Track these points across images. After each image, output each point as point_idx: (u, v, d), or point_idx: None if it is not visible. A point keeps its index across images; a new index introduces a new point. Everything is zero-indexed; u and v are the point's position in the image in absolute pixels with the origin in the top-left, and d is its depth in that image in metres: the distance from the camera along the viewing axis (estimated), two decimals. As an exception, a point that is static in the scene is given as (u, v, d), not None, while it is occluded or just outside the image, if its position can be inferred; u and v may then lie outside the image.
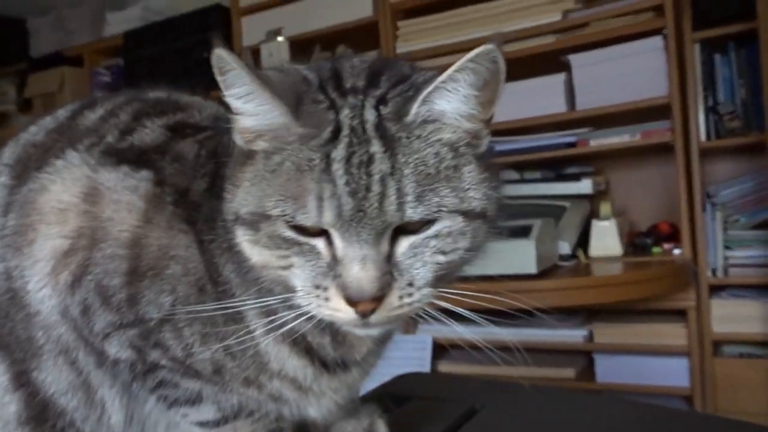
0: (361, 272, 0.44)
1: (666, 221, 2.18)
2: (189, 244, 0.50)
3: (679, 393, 2.00)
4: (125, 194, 0.51)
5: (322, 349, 0.53)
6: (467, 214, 0.48)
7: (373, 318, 0.46)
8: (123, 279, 0.50)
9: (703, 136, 2.02)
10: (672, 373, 2.01)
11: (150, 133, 0.56)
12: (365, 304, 0.45)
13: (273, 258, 0.47)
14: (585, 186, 2.15)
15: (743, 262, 1.99)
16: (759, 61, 1.86)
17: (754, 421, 1.96)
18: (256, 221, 0.46)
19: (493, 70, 0.47)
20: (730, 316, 1.98)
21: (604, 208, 2.14)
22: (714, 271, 2.00)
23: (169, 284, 0.50)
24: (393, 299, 0.46)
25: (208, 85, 0.54)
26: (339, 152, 0.45)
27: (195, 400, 0.54)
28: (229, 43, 2.58)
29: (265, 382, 0.52)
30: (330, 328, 0.52)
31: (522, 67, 2.09)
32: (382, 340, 0.57)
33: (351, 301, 0.45)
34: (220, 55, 0.45)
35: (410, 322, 2.25)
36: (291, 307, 0.49)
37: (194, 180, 0.53)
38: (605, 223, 2.11)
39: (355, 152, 0.45)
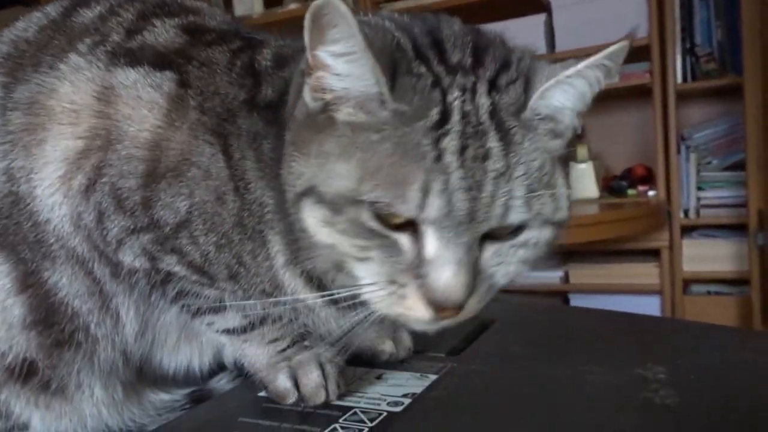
0: (453, 278, 0.41)
1: (641, 164, 2.22)
2: (214, 154, 0.48)
3: (651, 330, 2.07)
4: (146, 91, 0.48)
5: (327, 283, 0.51)
6: (557, 225, 0.45)
7: (446, 321, 0.44)
8: (139, 180, 0.47)
9: (679, 79, 2.05)
10: (644, 311, 2.07)
11: (163, 33, 0.52)
12: (449, 310, 0.42)
13: (348, 246, 0.43)
14: (563, 129, 2.16)
15: (714, 202, 2.05)
16: (737, 3, 1.88)
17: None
18: (339, 203, 0.41)
19: (614, 69, 0.44)
20: (700, 256, 2.05)
21: (581, 151, 2.16)
22: (686, 212, 2.06)
23: (187, 187, 0.47)
24: (472, 304, 0.43)
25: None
26: (451, 142, 0.40)
27: (219, 309, 0.53)
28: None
29: (281, 297, 0.51)
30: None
31: (502, 8, 2.07)
32: None
33: (434, 305, 0.42)
34: (332, 3, 0.39)
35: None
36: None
37: (229, 90, 0.49)
38: (582, 166, 2.13)
39: (469, 144, 0.41)
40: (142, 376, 0.58)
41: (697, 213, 2.06)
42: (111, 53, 0.50)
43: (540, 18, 2.10)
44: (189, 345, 0.57)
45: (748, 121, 1.88)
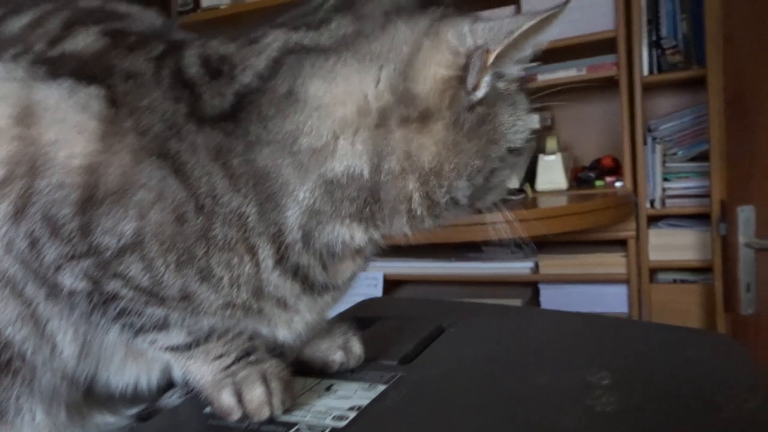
0: None
1: (609, 155, 2.24)
2: (164, 177, 0.47)
3: (618, 319, 2.11)
4: (72, 113, 0.46)
5: (314, 274, 0.52)
6: None
7: None
8: (74, 208, 0.46)
9: (645, 71, 2.07)
10: (612, 301, 2.11)
11: (83, 40, 0.50)
12: None
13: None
14: (532, 121, 2.17)
15: (680, 193, 2.08)
16: (701, -4, 1.90)
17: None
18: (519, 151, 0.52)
19: None
20: (666, 245, 2.08)
21: (550, 142, 2.18)
22: (652, 202, 2.09)
23: (134, 210, 0.46)
24: None
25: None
26: None
27: (162, 326, 0.53)
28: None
29: (252, 304, 0.51)
30: (323, 254, 0.52)
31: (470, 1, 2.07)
32: (362, 266, 0.57)
33: None
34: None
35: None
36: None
37: (165, 105, 0.48)
38: (551, 158, 2.15)
39: None
40: (89, 397, 0.57)
41: (663, 203, 2.09)
42: (32, 63, 0.49)
43: (508, 10, 2.10)
44: (135, 363, 0.57)
45: (711, 112, 1.91)
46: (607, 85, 2.10)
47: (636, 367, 0.63)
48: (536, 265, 2.18)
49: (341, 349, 0.62)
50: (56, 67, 0.48)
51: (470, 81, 0.49)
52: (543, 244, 2.21)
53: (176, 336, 0.53)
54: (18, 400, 0.52)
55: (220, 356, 0.54)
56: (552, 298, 2.19)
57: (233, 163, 0.48)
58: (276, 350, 0.59)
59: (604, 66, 2.04)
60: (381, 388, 0.58)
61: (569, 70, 2.09)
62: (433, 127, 0.49)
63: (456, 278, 2.22)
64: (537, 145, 2.26)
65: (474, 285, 2.23)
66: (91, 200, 0.46)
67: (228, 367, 0.54)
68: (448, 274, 2.22)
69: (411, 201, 0.50)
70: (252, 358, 0.55)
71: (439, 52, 0.49)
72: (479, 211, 0.56)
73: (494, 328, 0.77)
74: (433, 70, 0.49)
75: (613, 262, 2.11)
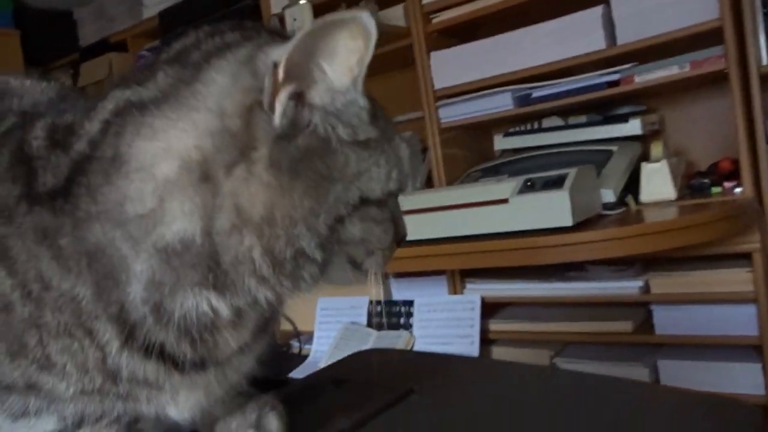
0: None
1: (728, 158, 1.99)
2: None
3: (747, 342, 1.85)
4: None
5: (178, 351, 0.49)
6: None
7: None
8: None
9: (764, 60, 1.81)
10: (738, 322, 1.86)
11: None
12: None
13: (381, 231, 0.50)
14: (633, 127, 1.99)
15: (816, 196, 1.79)
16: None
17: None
18: (384, 200, 0.49)
19: None
20: (802, 257, 1.80)
21: (655, 149, 1.98)
22: (781, 209, 1.82)
23: None
24: None
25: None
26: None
27: (25, 413, 0.50)
28: (258, 13, 2.55)
29: (112, 389, 0.49)
30: (185, 328, 0.48)
31: (556, 4, 1.96)
32: (256, 336, 0.53)
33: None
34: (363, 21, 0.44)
35: (458, 282, 2.21)
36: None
37: None
38: (656, 165, 1.95)
39: None
40: None
41: (794, 209, 1.81)
42: None
43: (597, 11, 1.95)
44: None
45: None
46: (719, 80, 1.87)
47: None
48: (646, 285, 1.97)
49: (253, 427, 0.57)
50: None
51: (265, 101, 0.45)
52: (654, 261, 2.00)
53: (47, 422, 0.51)
54: None
55: None
56: (667, 321, 1.96)
57: (61, 243, 0.46)
58: (174, 428, 0.55)
59: (709, 60, 1.82)
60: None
61: (670, 68, 1.88)
62: (255, 170, 0.45)
63: (558, 300, 2.07)
64: (643, 153, 2.07)
65: (578, 307, 2.07)
66: None
67: None
68: (550, 295, 2.08)
69: (253, 261, 0.46)
70: None
71: (245, 78, 0.46)
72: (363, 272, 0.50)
73: (458, 392, 0.68)
74: (239, 99, 0.46)
75: (737, 279, 1.85)
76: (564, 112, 2.17)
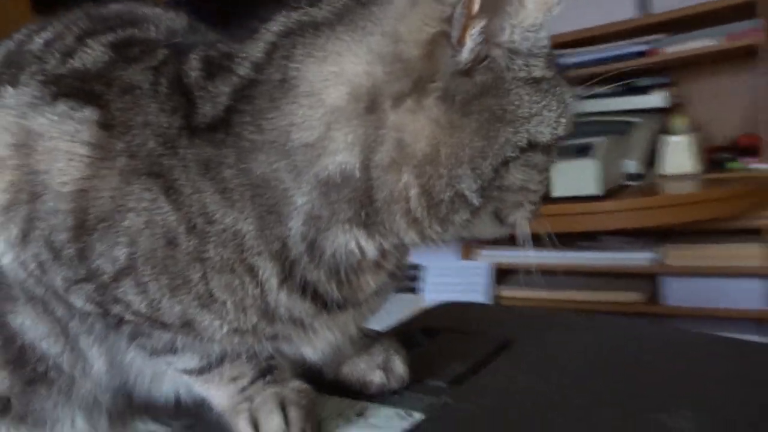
0: None
1: (748, 134, 2.00)
2: (154, 198, 0.45)
3: (751, 316, 1.89)
4: (62, 142, 0.46)
5: (327, 291, 0.49)
6: None
7: None
8: (70, 233, 0.46)
9: (794, 38, 1.80)
10: (745, 296, 1.89)
11: (91, 54, 0.49)
12: None
13: (541, 181, 0.48)
14: (655, 99, 1.98)
15: (833, 177, 1.81)
16: None
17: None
18: (552, 147, 0.46)
19: None
20: (813, 236, 1.83)
21: (678, 122, 1.97)
22: (798, 187, 1.83)
23: (125, 236, 0.46)
24: None
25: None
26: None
27: (172, 350, 0.52)
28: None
29: (263, 328, 0.48)
30: (334, 269, 0.48)
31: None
32: (390, 278, 0.52)
33: None
34: None
35: (470, 247, 2.22)
36: None
37: (160, 118, 0.46)
38: (678, 139, 1.95)
39: None
40: (131, 405, 0.58)
41: (811, 188, 1.83)
42: (41, 83, 0.49)
43: (629, -22, 1.92)
44: (171, 378, 0.57)
45: None
46: (748, 55, 1.86)
47: (723, 407, 0.54)
48: (658, 256, 2.00)
49: (381, 368, 0.58)
50: (59, 88, 0.48)
51: (454, 34, 0.42)
52: (668, 233, 2.02)
53: (189, 359, 0.52)
54: (56, 409, 0.55)
55: (236, 378, 0.53)
56: (676, 293, 2.00)
57: (225, 175, 0.45)
58: (313, 368, 0.56)
59: (744, 34, 1.80)
60: (417, 417, 0.54)
61: (703, 40, 1.87)
62: (425, 103, 0.43)
63: (568, 268, 2.09)
64: (665, 126, 2.07)
65: (588, 276, 2.10)
66: (83, 226, 0.46)
67: (244, 389, 0.53)
68: (560, 263, 2.10)
69: (408, 200, 0.44)
70: (269, 378, 0.53)
71: (427, 4, 0.42)
72: (509, 227, 0.49)
73: (565, 346, 0.70)
74: (419, 26, 0.42)
75: (750, 254, 1.88)
76: (588, 80, 2.15)
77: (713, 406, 0.54)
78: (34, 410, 0.54)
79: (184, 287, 0.47)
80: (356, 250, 0.47)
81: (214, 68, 0.47)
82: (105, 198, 0.45)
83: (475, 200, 0.44)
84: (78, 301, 0.50)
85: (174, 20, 0.56)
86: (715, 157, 2.01)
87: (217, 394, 0.54)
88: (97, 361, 0.54)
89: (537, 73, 0.44)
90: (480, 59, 0.43)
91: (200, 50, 0.49)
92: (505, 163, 0.44)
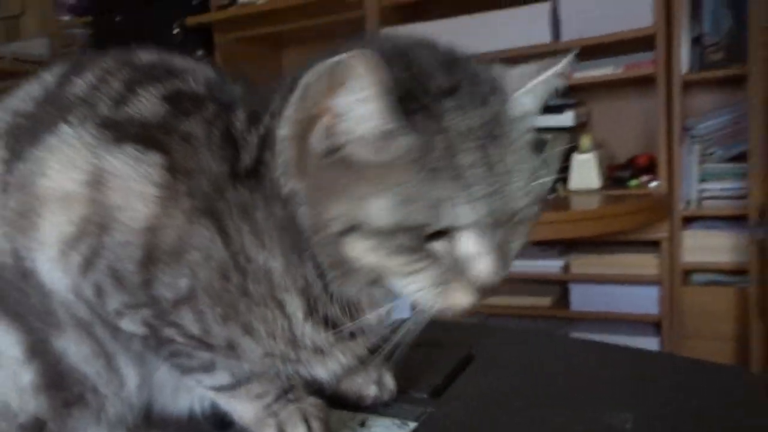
0: (493, 264, 0.46)
1: (645, 154, 2.21)
2: (212, 237, 0.49)
3: (649, 320, 2.10)
4: (135, 183, 0.49)
5: (338, 320, 0.54)
6: (542, 199, 0.50)
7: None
8: (137, 264, 0.50)
9: (685, 68, 2.02)
10: (642, 302, 2.09)
11: (146, 104, 0.53)
12: (489, 291, 0.47)
13: (395, 265, 0.46)
14: (567, 118, 2.14)
15: (717, 194, 2.04)
16: (745, -9, 1.85)
17: (720, 344, 2.07)
18: (384, 233, 0.45)
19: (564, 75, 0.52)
20: (701, 247, 2.05)
21: (585, 140, 2.15)
22: (688, 203, 2.06)
23: (188, 269, 0.50)
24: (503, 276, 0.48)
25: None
26: (465, 158, 0.45)
27: (208, 368, 0.56)
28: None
29: (289, 353, 0.53)
30: (341, 302, 0.53)
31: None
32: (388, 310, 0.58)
33: (479, 291, 0.47)
34: (350, 64, 0.42)
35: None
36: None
37: (212, 165, 0.51)
38: (585, 156, 2.13)
39: (479, 155, 0.45)
40: (149, 421, 0.60)
41: (699, 204, 2.06)
42: (99, 126, 0.52)
43: (545, 6, 2.07)
44: (188, 393, 0.60)
45: (752, 112, 1.87)
46: (646, 82, 2.06)
47: (661, 410, 0.63)
48: (566, 265, 2.17)
49: (375, 383, 0.64)
50: (120, 132, 0.51)
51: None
52: (574, 244, 2.20)
53: (220, 377, 0.56)
54: (86, 430, 0.56)
55: (261, 395, 0.57)
56: (582, 298, 2.18)
57: (257, 217, 0.50)
58: (314, 385, 0.60)
59: (641, 64, 2.00)
60: (412, 425, 0.60)
61: (606, 68, 2.05)
62: None
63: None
64: (571, 143, 2.24)
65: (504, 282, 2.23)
66: (151, 258, 0.49)
67: (269, 405, 0.57)
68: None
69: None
70: (290, 396, 0.57)
71: None
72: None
73: (520, 358, 0.78)
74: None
75: (646, 263, 2.09)
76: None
77: (648, 410, 0.63)
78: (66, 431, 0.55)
79: (233, 316, 0.51)
80: (353, 297, 0.53)
81: (254, 119, 0.52)
82: (172, 234, 0.49)
83: None
84: (131, 324, 0.52)
85: (207, 72, 0.59)
86: (616, 174, 2.21)
87: (244, 408, 0.57)
88: (132, 380, 0.56)
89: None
90: None
91: (246, 103, 0.54)
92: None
